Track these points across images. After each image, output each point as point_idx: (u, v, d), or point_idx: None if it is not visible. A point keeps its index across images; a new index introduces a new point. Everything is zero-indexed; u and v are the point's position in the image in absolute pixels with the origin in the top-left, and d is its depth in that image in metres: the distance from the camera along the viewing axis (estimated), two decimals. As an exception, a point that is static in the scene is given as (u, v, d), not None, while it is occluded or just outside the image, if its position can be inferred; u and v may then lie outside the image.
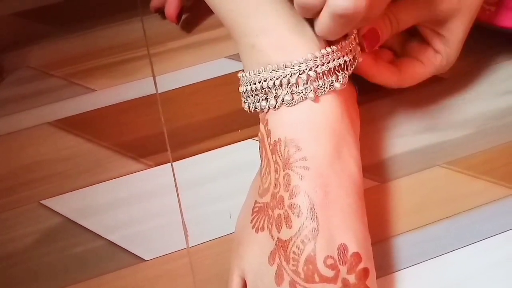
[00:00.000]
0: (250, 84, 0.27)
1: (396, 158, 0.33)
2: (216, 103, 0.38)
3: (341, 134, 0.27)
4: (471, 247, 0.29)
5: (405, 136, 0.35)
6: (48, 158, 0.37)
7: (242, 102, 0.29)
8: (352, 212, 0.25)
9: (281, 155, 0.26)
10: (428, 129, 0.35)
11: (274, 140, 0.27)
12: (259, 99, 0.27)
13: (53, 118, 0.39)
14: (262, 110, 0.27)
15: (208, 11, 0.44)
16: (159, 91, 0.40)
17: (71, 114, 0.39)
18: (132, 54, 0.43)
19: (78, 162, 0.36)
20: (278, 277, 0.24)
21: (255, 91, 0.27)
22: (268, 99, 0.26)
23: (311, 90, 0.26)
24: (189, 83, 0.40)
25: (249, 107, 0.28)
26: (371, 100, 0.36)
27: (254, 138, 0.36)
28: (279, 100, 0.26)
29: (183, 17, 0.45)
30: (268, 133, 0.27)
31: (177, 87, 0.40)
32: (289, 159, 0.26)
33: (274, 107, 0.26)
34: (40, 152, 0.37)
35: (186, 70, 0.41)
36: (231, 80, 0.38)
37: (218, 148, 0.36)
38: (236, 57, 0.41)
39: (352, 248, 0.24)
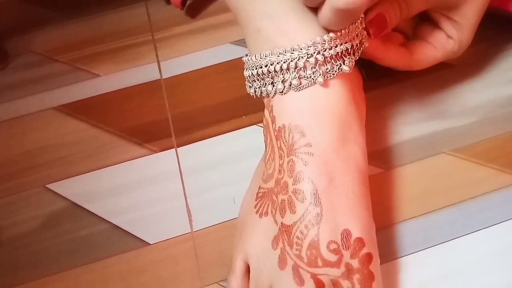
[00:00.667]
0: (256, 68, 0.27)
1: (402, 145, 0.33)
2: (221, 89, 0.38)
3: (347, 120, 0.26)
4: (475, 235, 0.29)
5: (411, 123, 0.34)
6: (53, 143, 0.37)
7: (247, 86, 0.28)
8: (356, 199, 0.25)
9: (286, 141, 0.26)
10: (434, 116, 0.34)
11: (279, 126, 0.26)
12: (265, 84, 0.27)
13: (57, 103, 0.39)
14: (268, 94, 0.27)
15: (213, -4, 0.44)
16: (164, 77, 0.40)
17: (75, 99, 0.39)
18: (137, 40, 0.43)
19: (82, 147, 0.36)
20: (281, 261, 0.25)
21: (261, 75, 0.26)
22: (275, 84, 0.26)
23: (320, 75, 0.25)
24: (194, 69, 0.40)
25: (254, 91, 0.28)
26: (377, 87, 0.36)
27: (258, 124, 0.36)
28: (287, 84, 0.26)
29: (188, 2, 0.44)
30: (273, 119, 0.27)
31: (181, 72, 0.40)
32: (293, 145, 0.26)
33: (282, 92, 0.26)
34: (44, 137, 0.37)
35: (190, 55, 0.41)
36: (236, 66, 0.37)
37: (222, 134, 0.35)
38: (241, 42, 0.41)
39: (356, 234, 0.24)
